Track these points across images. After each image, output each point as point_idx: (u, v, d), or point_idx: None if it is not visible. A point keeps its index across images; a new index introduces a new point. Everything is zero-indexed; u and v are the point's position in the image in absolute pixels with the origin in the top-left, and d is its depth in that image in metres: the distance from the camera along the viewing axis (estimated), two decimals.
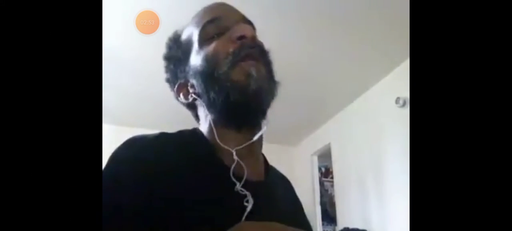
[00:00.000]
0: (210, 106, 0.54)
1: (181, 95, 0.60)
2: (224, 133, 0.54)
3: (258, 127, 0.55)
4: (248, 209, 0.47)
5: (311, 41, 2.50)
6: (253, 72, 0.51)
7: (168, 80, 0.63)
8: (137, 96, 3.17)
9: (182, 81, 0.59)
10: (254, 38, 0.54)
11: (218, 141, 0.53)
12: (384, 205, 2.89)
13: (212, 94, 0.53)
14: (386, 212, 2.86)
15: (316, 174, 4.07)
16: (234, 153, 0.51)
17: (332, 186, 3.95)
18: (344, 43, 2.53)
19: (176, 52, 0.61)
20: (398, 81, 2.74)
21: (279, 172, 0.68)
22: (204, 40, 0.55)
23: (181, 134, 0.56)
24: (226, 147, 0.52)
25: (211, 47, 0.54)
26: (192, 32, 0.58)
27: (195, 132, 0.58)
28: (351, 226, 3.12)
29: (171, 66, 0.62)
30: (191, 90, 0.57)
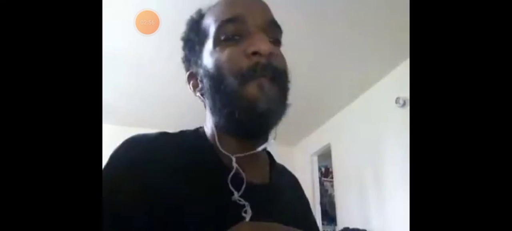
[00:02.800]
0: (214, 112, 0.52)
1: (190, 84, 0.57)
2: (226, 138, 0.52)
3: (263, 138, 0.53)
4: (247, 219, 0.46)
5: (311, 41, 2.50)
6: (264, 92, 0.48)
7: (182, 60, 0.60)
8: (137, 96, 3.17)
9: (194, 71, 0.56)
10: (270, 55, 0.49)
11: (218, 145, 0.52)
12: (384, 205, 2.89)
13: (218, 104, 0.51)
14: (386, 212, 2.86)
15: (316, 174, 4.07)
16: (234, 160, 0.50)
17: (332, 186, 3.95)
18: (344, 43, 2.53)
19: (193, 38, 0.56)
20: (398, 81, 2.74)
21: (287, 170, 0.66)
22: (218, 40, 0.51)
23: (182, 134, 0.55)
24: (226, 153, 0.51)
25: (224, 54, 0.50)
26: (209, 25, 0.53)
27: (197, 132, 0.56)
28: (351, 226, 3.13)
29: (186, 50, 0.58)
30: (200, 85, 0.54)
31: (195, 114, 0.64)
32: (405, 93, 2.66)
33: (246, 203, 0.47)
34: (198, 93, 0.55)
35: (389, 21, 2.26)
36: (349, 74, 2.92)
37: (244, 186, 0.49)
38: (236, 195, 0.47)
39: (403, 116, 2.65)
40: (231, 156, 0.50)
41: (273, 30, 0.53)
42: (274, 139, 0.53)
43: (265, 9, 0.55)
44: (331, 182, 4.10)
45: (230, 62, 0.49)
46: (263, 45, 0.49)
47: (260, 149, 0.52)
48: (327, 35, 2.43)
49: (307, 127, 3.89)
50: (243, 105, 0.48)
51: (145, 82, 2.95)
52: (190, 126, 0.60)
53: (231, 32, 0.50)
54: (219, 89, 0.50)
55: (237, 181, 0.49)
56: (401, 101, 2.70)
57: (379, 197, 2.95)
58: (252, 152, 0.51)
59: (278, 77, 0.50)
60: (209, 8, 0.56)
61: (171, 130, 0.56)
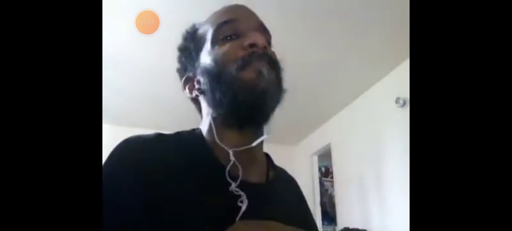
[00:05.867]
0: (214, 105, 0.54)
1: (186, 88, 0.61)
2: (224, 132, 0.54)
3: (259, 131, 0.55)
4: (243, 209, 0.46)
5: (311, 41, 2.50)
6: (264, 71, 0.52)
7: (178, 71, 0.64)
8: (137, 96, 3.17)
9: (190, 75, 0.60)
10: (265, 47, 0.54)
11: (216, 139, 0.53)
12: (384, 205, 2.89)
13: (218, 94, 0.53)
14: (386, 212, 2.86)
15: (316, 174, 4.07)
16: (231, 153, 0.51)
17: (332, 186, 3.95)
18: (344, 43, 2.53)
19: (189, 45, 0.61)
20: (398, 81, 2.74)
21: (286, 173, 0.67)
22: (216, 40, 0.56)
23: (178, 135, 0.56)
24: (223, 146, 0.52)
25: (222, 49, 0.55)
26: (207, 30, 0.59)
27: (194, 133, 0.57)
28: (351, 226, 3.12)
29: (183, 58, 0.63)
30: (196, 86, 0.58)
31: (194, 115, 0.64)
32: (405, 93, 2.66)
33: (242, 193, 0.48)
34: (195, 93, 0.58)
35: (389, 21, 2.26)
36: (349, 74, 2.92)
37: (240, 177, 0.49)
38: (233, 186, 0.48)
39: (403, 116, 2.65)
40: (229, 150, 0.52)
41: (264, 33, 0.58)
42: (268, 133, 0.56)
43: (255, 15, 0.61)
44: (331, 182, 4.09)
45: (228, 53, 0.54)
46: (259, 40, 0.54)
47: (256, 143, 0.54)
48: (327, 35, 2.43)
49: (307, 127, 3.89)
50: (244, 87, 0.51)
51: (145, 83, 2.95)
52: (189, 126, 0.60)
53: (228, 32, 0.55)
54: (219, 78, 0.53)
55: (235, 176, 0.50)
56: (401, 101, 2.70)
57: (379, 197, 2.95)
58: (249, 146, 0.53)
59: (274, 64, 0.54)
60: (203, 23, 0.62)
61: (170, 130, 0.56)
